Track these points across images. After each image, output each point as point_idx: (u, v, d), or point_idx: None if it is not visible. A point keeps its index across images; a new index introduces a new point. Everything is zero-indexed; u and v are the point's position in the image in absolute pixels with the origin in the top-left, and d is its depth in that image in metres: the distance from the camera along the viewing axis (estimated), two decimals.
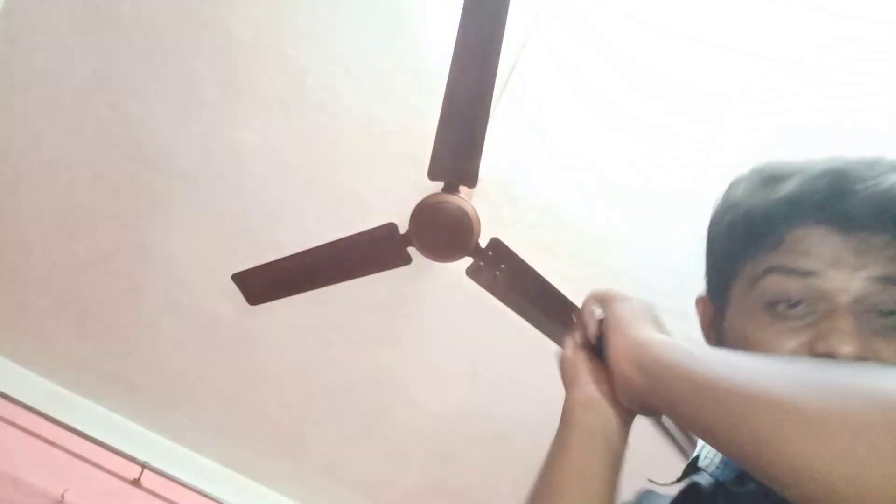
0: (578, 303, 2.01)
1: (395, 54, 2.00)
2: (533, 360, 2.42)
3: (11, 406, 2.72)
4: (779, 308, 0.59)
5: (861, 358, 0.55)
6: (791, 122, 1.89)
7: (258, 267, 2.02)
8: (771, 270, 0.60)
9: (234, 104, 2.16)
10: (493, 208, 2.11)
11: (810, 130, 1.91)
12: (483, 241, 1.89)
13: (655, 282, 2.17)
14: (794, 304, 0.58)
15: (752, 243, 0.62)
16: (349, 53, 2.02)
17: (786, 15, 1.76)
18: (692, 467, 0.68)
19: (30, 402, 2.75)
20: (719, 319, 0.67)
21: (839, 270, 0.57)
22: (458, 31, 1.55)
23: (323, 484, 2.98)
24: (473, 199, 1.93)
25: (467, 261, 1.92)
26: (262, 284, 2.06)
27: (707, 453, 0.67)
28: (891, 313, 0.56)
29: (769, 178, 0.63)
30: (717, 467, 0.64)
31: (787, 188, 0.61)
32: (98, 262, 2.55)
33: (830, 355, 0.55)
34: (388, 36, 1.98)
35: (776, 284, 0.60)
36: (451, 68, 1.60)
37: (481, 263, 1.90)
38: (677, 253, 2.12)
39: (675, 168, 2.04)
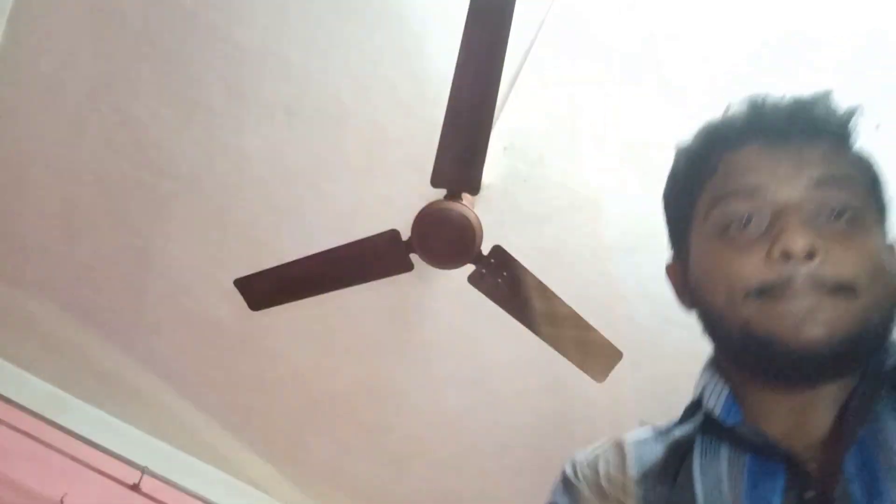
0: (579, 310, 2.02)
1: (399, 62, 2.01)
2: (533, 367, 2.42)
3: (11, 409, 2.72)
4: (732, 232, 0.61)
5: (814, 254, 0.57)
6: None
7: (260, 273, 2.02)
8: (717, 199, 0.63)
9: (239, 110, 2.16)
10: (495, 216, 2.11)
11: None
12: (485, 249, 1.89)
13: (657, 290, 2.17)
14: (745, 223, 0.61)
15: (694, 180, 0.66)
16: (353, 61, 2.03)
17: None
18: (695, 407, 0.68)
19: (30, 406, 2.75)
20: (687, 275, 0.70)
21: (778, 180, 0.60)
22: (462, 40, 1.55)
23: (323, 490, 2.97)
24: (476, 207, 1.94)
25: (469, 268, 1.92)
26: (264, 290, 2.06)
27: (710, 394, 0.67)
28: (839, 215, 0.59)
29: (698, 131, 0.69)
30: (722, 409, 0.64)
31: (712, 123, 0.67)
32: (100, 266, 2.56)
33: (787, 255, 0.57)
34: (393, 43, 1.99)
35: (724, 208, 0.62)
36: (454, 76, 1.60)
37: (483, 271, 1.91)
38: None
39: None
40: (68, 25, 2.12)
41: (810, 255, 0.57)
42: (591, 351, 1.96)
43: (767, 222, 0.60)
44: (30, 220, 2.51)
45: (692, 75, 1.88)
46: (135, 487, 2.71)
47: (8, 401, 2.73)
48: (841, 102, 0.65)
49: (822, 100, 0.64)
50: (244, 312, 2.14)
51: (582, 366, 2.00)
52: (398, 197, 2.19)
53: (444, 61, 1.84)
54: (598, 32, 1.88)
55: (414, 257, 1.90)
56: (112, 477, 2.71)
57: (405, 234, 1.88)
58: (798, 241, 0.57)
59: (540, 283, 1.89)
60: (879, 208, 0.63)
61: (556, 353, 1.99)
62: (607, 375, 2.00)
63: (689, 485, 0.61)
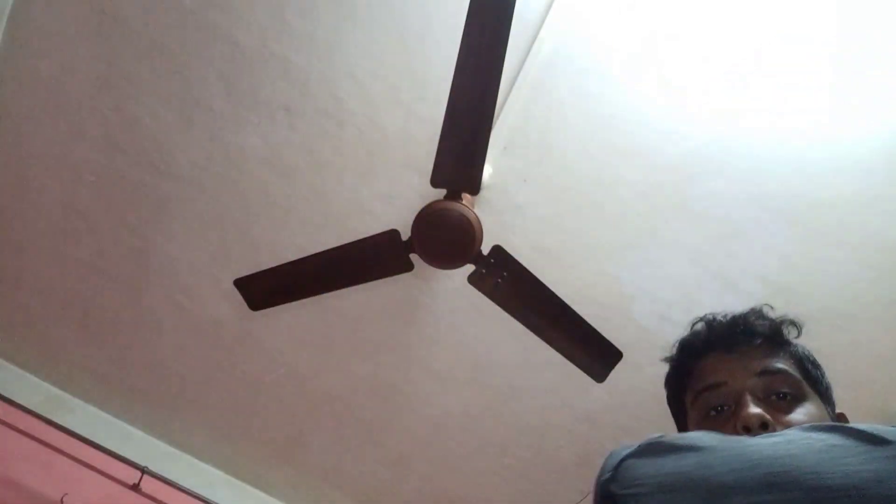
0: (579, 310, 2.02)
1: (399, 62, 2.01)
2: (533, 367, 2.42)
3: (12, 409, 2.72)
4: (711, 416, 0.84)
5: (767, 424, 0.76)
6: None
7: (260, 272, 2.03)
8: (697, 394, 0.87)
9: (239, 110, 2.16)
10: (495, 216, 2.11)
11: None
12: (485, 249, 1.89)
13: (657, 290, 2.17)
14: (719, 409, 0.83)
15: (680, 382, 0.92)
16: (353, 61, 2.03)
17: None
18: None
19: (30, 406, 2.75)
20: None
21: (735, 376, 0.84)
22: (462, 40, 1.55)
23: (322, 490, 2.97)
24: (476, 207, 1.94)
25: (469, 268, 1.92)
26: (264, 290, 2.06)
27: None
28: (784, 396, 0.81)
29: (676, 345, 0.94)
30: None
31: (685, 339, 0.93)
32: (100, 266, 2.56)
33: (746, 427, 0.77)
34: (393, 44, 1.99)
35: (702, 401, 0.86)
36: (454, 76, 1.60)
37: (483, 270, 1.90)
38: (678, 261, 2.12)
39: (676, 177, 2.04)
40: (68, 26, 2.12)
41: (764, 426, 0.76)
42: (591, 351, 1.96)
43: (733, 407, 0.81)
44: (30, 220, 2.51)
45: (692, 75, 1.89)
46: (135, 487, 2.71)
47: (8, 401, 2.73)
48: (773, 313, 0.89)
49: (755, 313, 0.89)
50: (244, 312, 2.14)
51: (582, 366, 2.00)
52: (398, 197, 2.19)
53: (444, 61, 1.84)
54: (598, 32, 1.88)
55: (414, 257, 1.90)
56: (112, 477, 2.71)
57: (405, 234, 1.88)
58: (751, 417, 0.77)
59: (540, 283, 1.89)
60: (816, 387, 0.85)
61: (556, 353, 1.99)
62: (607, 375, 2.00)
63: None
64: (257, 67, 2.09)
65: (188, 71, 2.13)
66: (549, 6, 1.85)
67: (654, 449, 0.69)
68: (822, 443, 0.62)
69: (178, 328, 2.64)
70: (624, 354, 1.96)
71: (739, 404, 0.81)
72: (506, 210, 2.15)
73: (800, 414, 0.80)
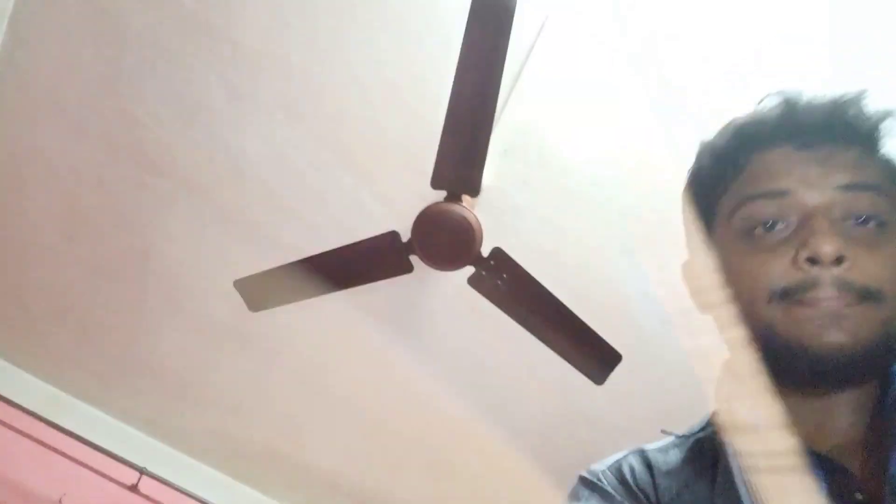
0: (578, 312, 2.02)
1: (400, 63, 2.01)
2: (534, 370, 2.42)
3: (11, 409, 2.72)
4: (756, 233, 0.60)
5: (842, 260, 0.56)
6: None
7: (260, 273, 2.02)
8: (744, 199, 0.61)
9: (239, 111, 2.16)
10: (495, 217, 2.11)
11: None
12: (485, 251, 1.89)
13: (657, 291, 2.17)
14: (770, 226, 0.60)
15: (719, 179, 0.65)
16: (353, 61, 2.03)
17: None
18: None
19: (29, 406, 2.75)
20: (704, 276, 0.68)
21: (807, 184, 0.59)
22: (463, 41, 1.55)
23: (322, 492, 2.97)
24: (476, 209, 1.94)
25: (469, 270, 1.92)
26: (264, 291, 2.06)
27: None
28: (866, 220, 0.58)
29: (727, 123, 0.67)
30: None
31: (742, 118, 0.65)
32: (101, 267, 2.55)
33: (814, 259, 0.56)
34: (393, 44, 1.99)
35: (750, 210, 0.61)
36: (455, 78, 1.60)
37: (483, 272, 1.90)
38: (678, 262, 2.12)
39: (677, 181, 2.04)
40: (69, 26, 2.12)
41: (838, 261, 0.56)
42: (590, 353, 1.96)
43: (795, 226, 0.59)
44: (30, 220, 2.51)
45: (692, 75, 1.88)
46: (133, 488, 2.71)
47: (7, 401, 2.73)
48: (873, 103, 0.62)
49: (856, 101, 0.62)
50: (244, 312, 2.14)
51: (581, 368, 2.00)
52: (398, 198, 2.18)
53: (444, 62, 1.84)
54: (598, 32, 1.88)
55: (414, 259, 1.90)
56: (111, 478, 2.71)
57: (405, 236, 1.88)
58: (826, 247, 0.56)
59: (539, 285, 1.89)
60: None
61: (555, 355, 1.99)
62: (607, 378, 1.99)
63: (731, 484, 0.60)
64: (257, 67, 2.09)
65: (188, 71, 2.13)
66: (550, 6, 1.85)
67: None
68: None
69: (178, 328, 2.63)
70: (623, 356, 1.95)
71: (808, 225, 0.58)
72: (506, 212, 2.15)
73: (886, 255, 0.57)
